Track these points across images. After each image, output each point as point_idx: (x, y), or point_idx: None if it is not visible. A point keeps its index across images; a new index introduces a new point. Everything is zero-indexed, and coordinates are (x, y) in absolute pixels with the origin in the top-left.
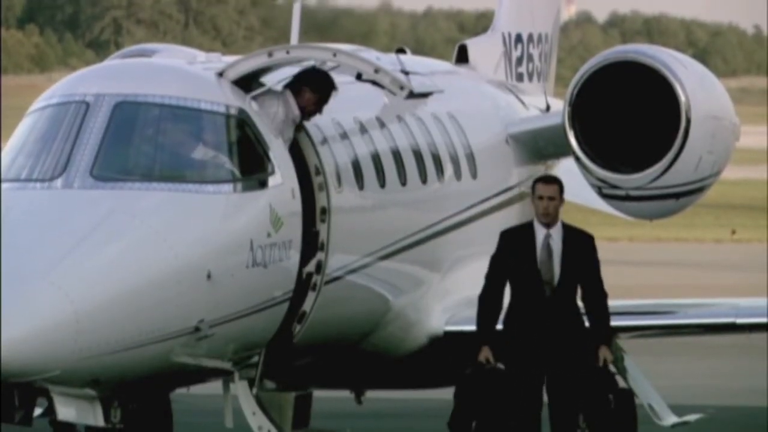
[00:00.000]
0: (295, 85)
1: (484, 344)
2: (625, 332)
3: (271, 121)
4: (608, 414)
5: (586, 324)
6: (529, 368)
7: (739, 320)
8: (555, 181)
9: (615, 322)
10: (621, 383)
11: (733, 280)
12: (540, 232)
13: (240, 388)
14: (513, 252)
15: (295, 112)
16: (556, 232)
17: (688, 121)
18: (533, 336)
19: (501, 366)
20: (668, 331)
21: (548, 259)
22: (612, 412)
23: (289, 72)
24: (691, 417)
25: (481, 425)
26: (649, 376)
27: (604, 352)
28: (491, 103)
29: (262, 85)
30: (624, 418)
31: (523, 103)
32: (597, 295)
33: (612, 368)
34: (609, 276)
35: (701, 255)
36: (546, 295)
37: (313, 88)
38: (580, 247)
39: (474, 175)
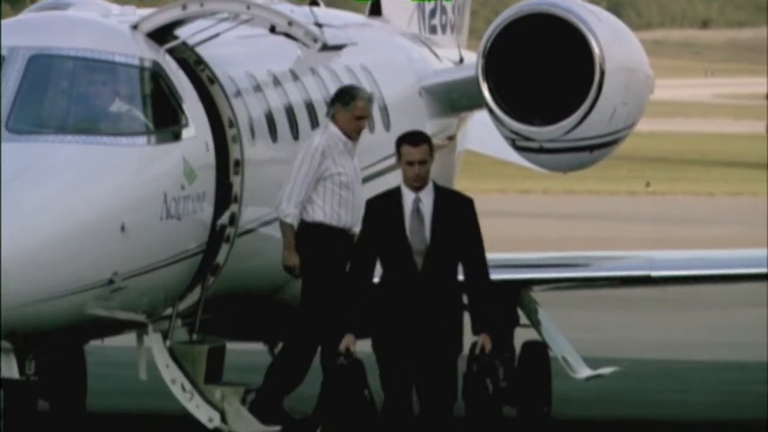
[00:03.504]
0: (330, 110)
1: (348, 331)
2: (539, 285)
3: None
4: (487, 404)
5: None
6: (398, 357)
7: (654, 273)
8: (424, 140)
9: (529, 275)
10: (534, 336)
11: (648, 233)
12: (408, 196)
13: (153, 341)
14: (380, 221)
15: (342, 137)
16: (427, 196)
17: (602, 74)
18: (404, 316)
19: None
20: (582, 284)
21: (419, 227)
22: (492, 400)
23: (203, 25)
24: (606, 370)
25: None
26: (563, 329)
27: (483, 340)
28: (404, 56)
29: (176, 38)
30: (538, 372)
31: (436, 55)
32: (477, 270)
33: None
34: (523, 229)
35: (615, 207)
36: (418, 269)
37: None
38: (457, 212)
39: (387, 128)
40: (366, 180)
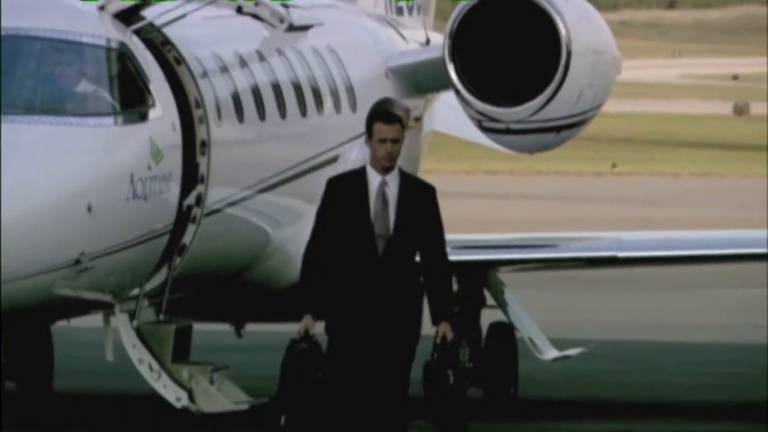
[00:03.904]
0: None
1: (308, 312)
2: (506, 266)
3: None
4: (446, 394)
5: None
6: (355, 341)
7: (621, 254)
8: (397, 119)
9: (496, 256)
10: (501, 317)
11: (615, 214)
12: (374, 179)
13: (120, 321)
14: (343, 202)
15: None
16: (393, 180)
17: (569, 55)
18: (362, 301)
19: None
20: (549, 265)
21: (383, 211)
22: (451, 391)
23: (170, 5)
24: (573, 351)
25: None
26: (529, 310)
27: (443, 329)
28: (371, 37)
29: (143, 18)
30: (504, 353)
31: (402, 36)
32: (437, 259)
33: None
34: (489, 209)
35: (582, 188)
36: (379, 252)
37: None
38: (420, 199)
39: (354, 109)
40: (332, 161)
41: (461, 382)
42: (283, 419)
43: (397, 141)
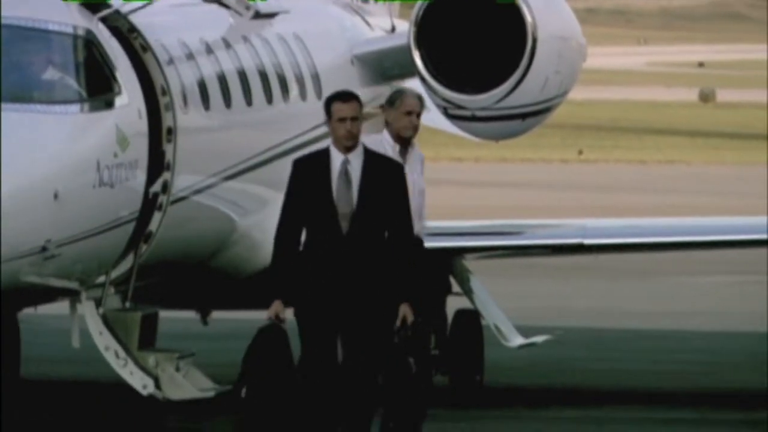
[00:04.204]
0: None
1: (277, 297)
2: (472, 253)
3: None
4: (407, 381)
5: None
6: (321, 323)
7: (587, 241)
8: (354, 97)
9: (462, 243)
10: (467, 304)
11: (580, 201)
12: (337, 158)
13: (87, 309)
14: (307, 183)
15: (391, 142)
16: (356, 158)
17: (534, 41)
18: (328, 281)
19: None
20: (515, 252)
21: (346, 189)
22: (413, 377)
23: None
24: (538, 338)
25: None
26: (495, 298)
27: (404, 311)
28: (336, 24)
29: (109, 6)
30: (470, 340)
31: (368, 24)
32: (402, 238)
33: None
34: (455, 197)
35: (548, 175)
36: (343, 232)
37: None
38: (386, 176)
39: (319, 96)
40: (298, 148)
41: (425, 368)
42: (243, 390)
43: (356, 119)
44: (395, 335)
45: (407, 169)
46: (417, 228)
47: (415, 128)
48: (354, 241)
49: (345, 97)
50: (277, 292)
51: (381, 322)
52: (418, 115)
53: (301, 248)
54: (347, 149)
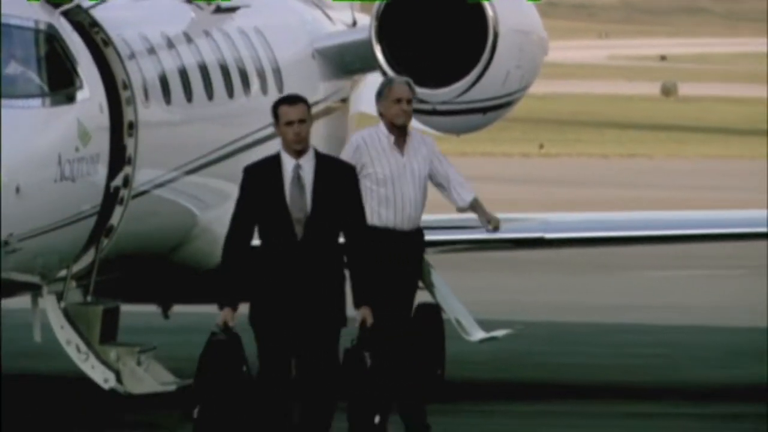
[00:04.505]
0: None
1: (227, 305)
2: (433, 247)
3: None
4: (365, 378)
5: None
6: (277, 329)
7: (548, 235)
8: (301, 100)
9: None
10: (428, 298)
11: (542, 195)
12: (288, 163)
13: (48, 302)
14: (259, 189)
15: (385, 132)
16: (308, 162)
17: (496, 36)
18: (283, 287)
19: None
20: (476, 246)
21: (299, 195)
22: (371, 375)
23: None
24: (499, 332)
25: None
26: (457, 292)
27: (364, 314)
28: (297, 18)
29: (71, 0)
30: (431, 334)
31: (329, 18)
32: (358, 241)
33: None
34: None
35: (509, 169)
36: (298, 237)
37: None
38: (338, 179)
39: (280, 90)
40: (259, 142)
41: (385, 365)
42: (196, 411)
43: (303, 121)
44: (355, 337)
45: (406, 158)
46: (419, 220)
47: (407, 114)
48: (309, 246)
49: (291, 100)
50: (226, 300)
51: (336, 326)
52: (409, 101)
53: (254, 254)
54: (298, 153)
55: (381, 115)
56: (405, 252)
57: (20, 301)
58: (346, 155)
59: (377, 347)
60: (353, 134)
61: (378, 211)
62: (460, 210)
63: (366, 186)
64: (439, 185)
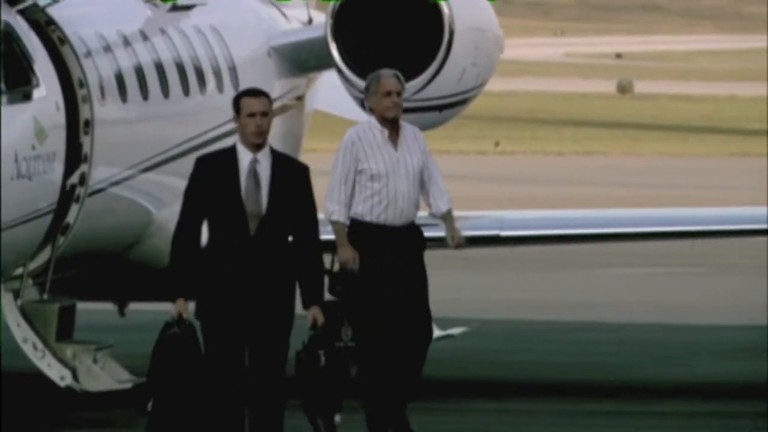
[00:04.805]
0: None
1: (180, 296)
2: None
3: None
4: (318, 378)
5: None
6: (226, 323)
7: (504, 233)
8: (264, 94)
9: None
10: None
11: (497, 193)
12: (245, 157)
13: (4, 300)
14: (212, 181)
15: (378, 126)
16: (265, 158)
17: (452, 33)
18: (234, 282)
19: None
20: (432, 244)
21: (255, 189)
22: (322, 371)
23: None
24: (455, 330)
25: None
26: None
27: (314, 313)
28: (253, 16)
29: None
30: None
31: (285, 15)
32: (308, 242)
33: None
34: None
35: (465, 167)
36: (251, 233)
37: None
38: (293, 178)
39: (236, 88)
40: (215, 140)
41: (339, 363)
42: (150, 404)
43: (266, 114)
44: (308, 337)
45: (400, 152)
46: (414, 215)
47: (398, 107)
48: (262, 242)
49: (255, 92)
50: (179, 290)
51: (287, 324)
52: (398, 93)
53: (204, 247)
54: (256, 147)
55: (371, 110)
56: (398, 248)
57: None
58: (342, 151)
59: (330, 346)
60: (349, 130)
61: (371, 207)
62: (431, 215)
63: (359, 182)
64: (421, 182)
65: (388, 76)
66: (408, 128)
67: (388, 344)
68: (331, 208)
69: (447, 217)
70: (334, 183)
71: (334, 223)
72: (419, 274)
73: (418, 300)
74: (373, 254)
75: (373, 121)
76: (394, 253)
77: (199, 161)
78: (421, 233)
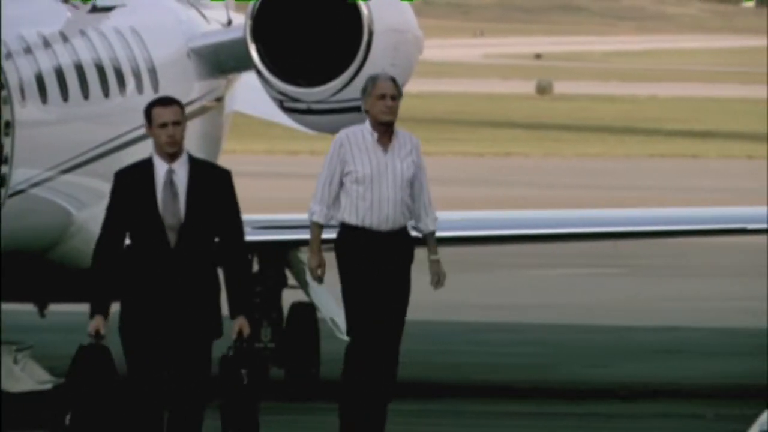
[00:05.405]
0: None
1: (97, 313)
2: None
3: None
4: (241, 391)
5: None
6: (148, 338)
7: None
8: (175, 102)
9: (297, 236)
10: (303, 297)
11: None
12: (161, 167)
13: None
14: (130, 195)
15: (369, 130)
16: (181, 167)
17: (371, 34)
18: (155, 296)
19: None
20: None
21: (172, 200)
22: (246, 389)
23: None
24: None
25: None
26: (330, 291)
27: (240, 323)
28: (173, 18)
29: None
30: (305, 333)
31: (204, 17)
32: (234, 249)
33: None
34: (291, 189)
35: None
36: (171, 245)
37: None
38: (213, 185)
39: (156, 89)
40: (134, 141)
41: (258, 371)
42: (68, 418)
43: (178, 123)
44: (230, 348)
45: (389, 156)
46: (402, 221)
47: (393, 111)
48: (183, 254)
49: (165, 101)
50: (97, 308)
51: (209, 337)
52: (393, 98)
53: (125, 262)
54: (171, 157)
55: (367, 112)
56: (383, 253)
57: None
58: (330, 152)
59: (253, 358)
60: (340, 131)
61: (356, 210)
62: (414, 228)
63: (345, 185)
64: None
65: (384, 79)
66: (404, 135)
67: (370, 347)
68: (312, 208)
69: (430, 240)
70: (319, 184)
71: (312, 224)
72: (402, 286)
73: (394, 313)
74: (359, 260)
75: (367, 123)
76: (379, 259)
77: (117, 175)
78: (410, 242)
